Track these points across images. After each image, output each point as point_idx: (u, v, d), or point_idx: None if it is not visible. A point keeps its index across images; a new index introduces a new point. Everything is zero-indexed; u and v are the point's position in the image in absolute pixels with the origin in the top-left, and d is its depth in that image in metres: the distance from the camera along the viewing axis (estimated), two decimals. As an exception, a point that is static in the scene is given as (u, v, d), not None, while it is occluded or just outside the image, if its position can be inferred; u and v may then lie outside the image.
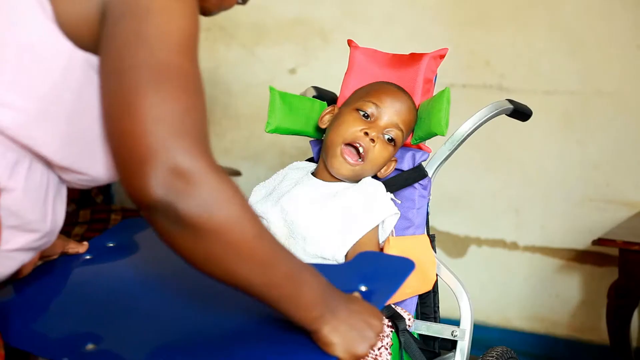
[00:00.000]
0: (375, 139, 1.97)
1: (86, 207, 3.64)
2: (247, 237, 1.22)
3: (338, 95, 2.26)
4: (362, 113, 2.00)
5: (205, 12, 1.50)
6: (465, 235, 3.55)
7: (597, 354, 3.32)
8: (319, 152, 2.17)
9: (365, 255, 1.68)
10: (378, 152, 1.98)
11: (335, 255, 1.88)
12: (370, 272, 1.57)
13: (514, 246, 3.45)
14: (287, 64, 3.83)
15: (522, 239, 3.44)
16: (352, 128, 1.98)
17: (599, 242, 2.74)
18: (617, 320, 2.83)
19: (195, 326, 1.40)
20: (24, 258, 1.38)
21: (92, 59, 1.29)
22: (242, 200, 1.22)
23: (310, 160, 2.22)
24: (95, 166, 1.35)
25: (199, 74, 1.27)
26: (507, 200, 3.44)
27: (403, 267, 1.55)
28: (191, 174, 1.17)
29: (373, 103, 2.00)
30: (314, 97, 2.24)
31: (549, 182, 3.34)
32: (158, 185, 1.16)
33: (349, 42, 2.27)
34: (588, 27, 3.21)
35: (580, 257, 3.32)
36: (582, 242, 3.27)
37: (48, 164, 1.32)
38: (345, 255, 1.90)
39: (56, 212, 1.39)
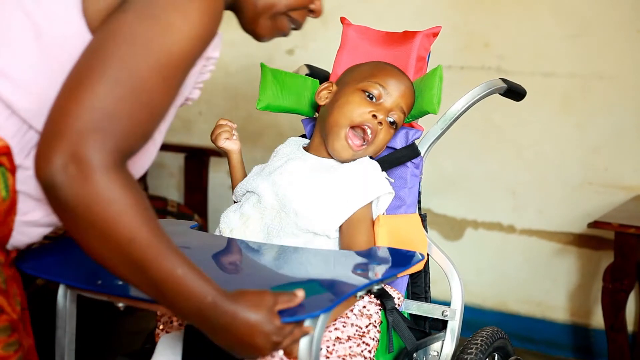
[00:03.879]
0: (382, 122, 1.95)
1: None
2: (121, 239, 1.22)
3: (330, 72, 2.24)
4: (367, 94, 1.97)
5: (258, 37, 1.53)
6: (462, 218, 3.54)
7: (594, 338, 3.31)
8: (311, 131, 2.16)
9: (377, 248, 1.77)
10: (383, 135, 1.96)
11: (326, 230, 1.87)
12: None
13: (510, 229, 3.44)
14: (285, 45, 3.81)
15: (519, 222, 3.42)
16: (360, 109, 1.95)
17: (594, 224, 2.73)
18: (613, 303, 2.82)
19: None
20: (41, 232, 1.41)
21: None
22: (126, 203, 1.22)
23: (303, 137, 2.20)
24: None
25: (168, 100, 1.28)
26: (505, 183, 3.43)
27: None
28: (87, 165, 1.18)
29: (379, 84, 1.97)
30: (306, 75, 2.23)
31: (546, 165, 3.33)
32: (56, 162, 1.18)
33: (342, 20, 2.25)
34: (589, 10, 3.19)
35: (577, 241, 3.31)
36: (579, 225, 3.26)
37: None
38: (339, 230, 1.89)
39: None
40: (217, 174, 4.15)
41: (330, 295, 1.49)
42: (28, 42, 1.29)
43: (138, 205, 1.22)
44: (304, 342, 1.42)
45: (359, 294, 1.60)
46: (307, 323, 1.41)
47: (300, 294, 1.38)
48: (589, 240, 3.28)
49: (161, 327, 1.77)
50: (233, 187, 2.09)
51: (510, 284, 3.49)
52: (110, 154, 1.20)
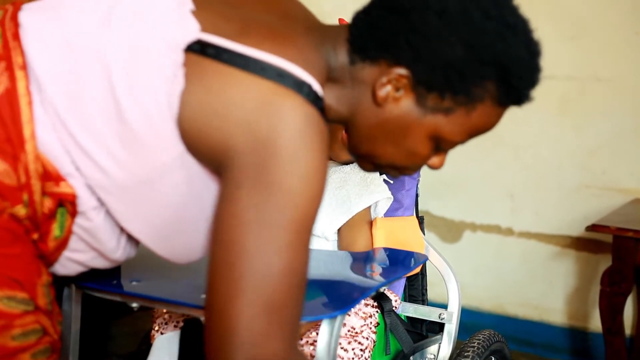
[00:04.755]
0: None
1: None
2: None
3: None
4: None
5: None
6: (460, 220, 3.54)
7: (591, 341, 3.30)
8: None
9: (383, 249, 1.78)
10: None
11: (325, 232, 1.87)
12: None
13: (508, 232, 3.44)
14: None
15: (517, 225, 3.42)
16: None
17: (592, 228, 2.72)
18: (611, 307, 2.81)
19: None
20: (79, 269, 1.41)
21: (203, 172, 1.28)
22: None
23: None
24: (161, 250, 1.37)
25: (307, 261, 1.23)
26: (502, 185, 3.42)
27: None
28: None
29: None
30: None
31: (544, 168, 3.32)
32: None
33: (340, 21, 2.25)
34: (586, 12, 3.18)
35: (575, 244, 3.30)
36: (577, 228, 3.25)
37: None
38: (338, 233, 1.89)
39: (127, 250, 1.41)
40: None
41: (346, 296, 1.51)
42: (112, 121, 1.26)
43: None
44: (322, 342, 1.44)
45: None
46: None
47: None
48: (586, 243, 3.27)
49: (157, 328, 1.77)
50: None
51: (508, 286, 3.48)
52: (285, 345, 1.19)
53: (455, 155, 3.39)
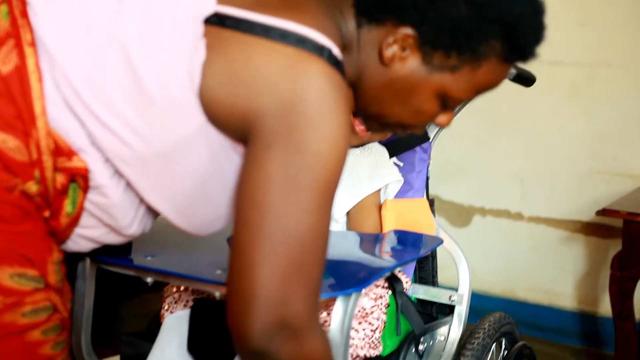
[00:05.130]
0: None
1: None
2: None
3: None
4: None
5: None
6: (470, 204, 3.53)
7: (601, 326, 3.30)
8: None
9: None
10: None
11: (335, 214, 1.87)
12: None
13: (518, 216, 3.43)
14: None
15: (526, 210, 3.41)
16: None
17: (603, 212, 2.71)
18: (621, 291, 2.80)
19: None
20: (91, 246, 1.41)
21: (225, 142, 1.28)
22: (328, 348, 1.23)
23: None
24: (182, 222, 1.37)
25: (329, 221, 1.23)
26: (512, 170, 3.41)
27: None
28: (297, 329, 1.17)
29: None
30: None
31: (554, 153, 3.31)
32: (262, 332, 1.15)
33: None
34: (598, -3, 3.18)
35: (585, 229, 3.29)
36: (587, 214, 3.25)
37: None
38: (347, 215, 1.89)
39: (143, 224, 1.41)
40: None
41: (361, 274, 1.51)
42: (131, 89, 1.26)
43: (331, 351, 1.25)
44: (336, 320, 1.44)
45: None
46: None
47: None
48: (596, 228, 3.26)
49: (166, 307, 1.77)
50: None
51: (517, 271, 3.48)
52: (308, 305, 1.19)
53: (465, 139, 3.41)
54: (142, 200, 1.35)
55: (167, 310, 1.76)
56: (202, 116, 1.25)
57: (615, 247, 3.05)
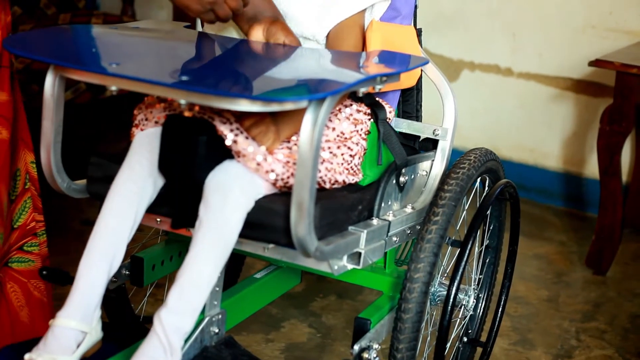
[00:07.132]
0: None
1: (67, 11, 3.51)
2: None
3: None
4: None
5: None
6: (459, 58, 3.44)
7: (585, 187, 3.26)
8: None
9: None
10: None
11: (316, 34, 1.77)
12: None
13: (508, 72, 3.35)
14: None
15: (517, 65, 3.33)
16: None
17: (596, 63, 2.64)
18: (609, 146, 2.74)
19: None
20: None
21: None
22: None
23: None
24: None
25: None
26: (504, 23, 3.31)
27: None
28: None
29: None
30: None
31: (549, 5, 3.21)
32: None
33: None
34: None
35: (576, 87, 3.22)
36: (579, 70, 3.17)
37: None
38: (327, 37, 1.79)
39: None
40: None
41: (337, 82, 1.43)
42: None
43: None
44: (306, 128, 1.35)
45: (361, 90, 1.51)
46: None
47: None
48: (587, 86, 3.19)
49: (137, 123, 1.69)
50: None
51: (504, 128, 3.42)
52: None
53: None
54: None
55: (137, 127, 1.68)
56: None
57: (605, 106, 2.98)
